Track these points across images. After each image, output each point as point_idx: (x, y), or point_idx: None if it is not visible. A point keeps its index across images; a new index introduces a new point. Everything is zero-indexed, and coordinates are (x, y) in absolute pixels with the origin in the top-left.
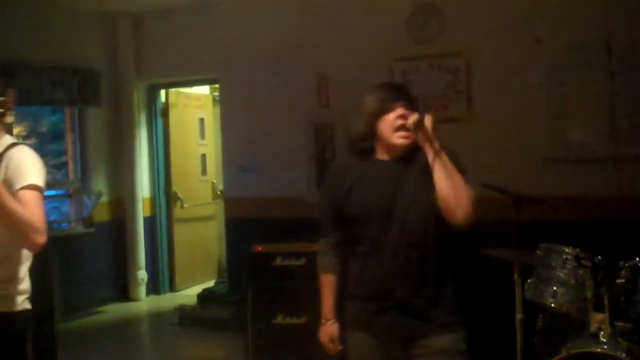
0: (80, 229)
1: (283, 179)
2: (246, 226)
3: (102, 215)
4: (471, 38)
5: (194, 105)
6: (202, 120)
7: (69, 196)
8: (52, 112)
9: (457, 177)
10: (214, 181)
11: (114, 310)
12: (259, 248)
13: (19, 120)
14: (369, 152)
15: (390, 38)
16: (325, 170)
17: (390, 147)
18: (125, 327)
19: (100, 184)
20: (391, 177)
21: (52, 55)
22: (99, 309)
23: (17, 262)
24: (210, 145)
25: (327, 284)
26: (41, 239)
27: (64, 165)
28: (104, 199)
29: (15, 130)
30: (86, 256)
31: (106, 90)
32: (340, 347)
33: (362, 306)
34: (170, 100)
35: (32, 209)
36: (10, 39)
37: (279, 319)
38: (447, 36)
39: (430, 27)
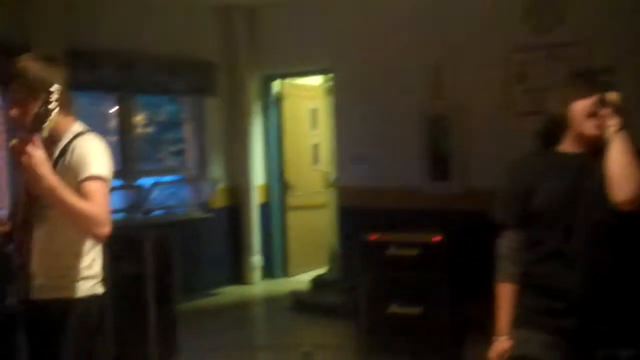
0: (198, 214)
1: (396, 169)
2: (358, 215)
3: (219, 201)
4: (591, 26)
5: (307, 96)
6: (314, 110)
7: (188, 182)
8: (169, 102)
9: (631, 158)
10: (326, 170)
11: (230, 292)
12: (373, 237)
13: (140, 109)
14: (555, 143)
15: (507, 28)
16: (438, 163)
17: (580, 138)
18: (241, 309)
19: (217, 171)
20: (578, 170)
21: (171, 47)
22: (216, 291)
23: (78, 252)
24: (322, 135)
25: (506, 294)
26: (105, 230)
27: (180, 152)
28: (221, 185)
29: (136, 120)
30: (204, 240)
31: (222, 81)
32: None
33: (542, 306)
34: (284, 91)
35: (95, 201)
36: (131, 31)
37: (393, 308)
38: (566, 25)
39: (548, 15)
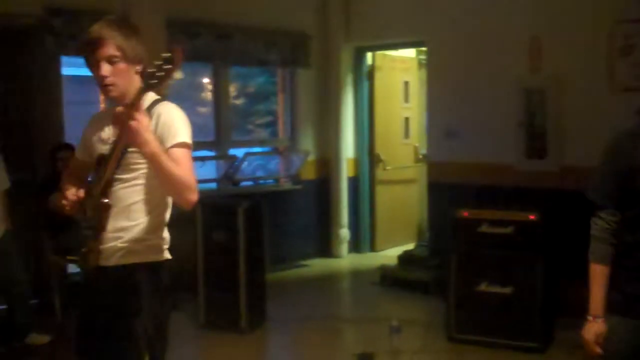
0: (288, 185)
1: (489, 145)
2: (449, 191)
3: (308, 173)
4: None
5: (400, 68)
6: (406, 83)
7: (279, 154)
8: (260, 74)
9: None
10: (417, 145)
11: (317, 264)
12: (465, 213)
13: (231, 80)
14: None
15: None
16: (534, 139)
17: None
18: (328, 282)
19: (307, 143)
20: None
21: (265, 18)
22: (303, 262)
23: (164, 210)
24: (414, 109)
25: (600, 275)
26: (194, 196)
27: (269, 124)
28: (311, 157)
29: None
30: (293, 212)
31: (315, 52)
32: (599, 351)
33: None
34: (377, 63)
35: (183, 167)
36: (227, 3)
37: (483, 287)
38: None
39: None
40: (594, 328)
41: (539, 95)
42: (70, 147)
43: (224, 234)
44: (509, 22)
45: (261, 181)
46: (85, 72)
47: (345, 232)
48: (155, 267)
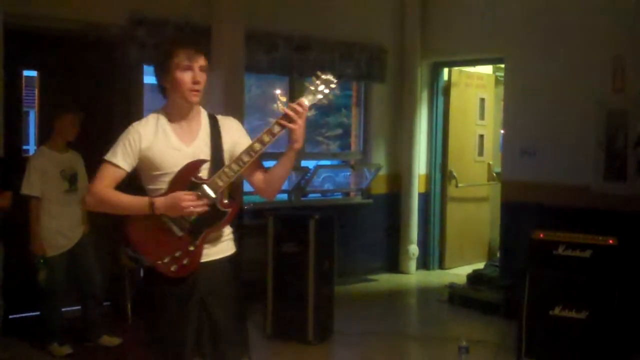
0: (359, 199)
1: (567, 165)
2: (523, 211)
3: (379, 187)
4: None
5: (476, 85)
6: (482, 100)
7: (351, 167)
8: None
9: None
10: (490, 162)
11: (385, 280)
12: (541, 235)
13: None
14: None
15: None
16: (614, 161)
17: None
18: (395, 297)
19: (379, 157)
20: None
21: (343, 32)
22: (371, 277)
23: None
24: (489, 126)
25: None
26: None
27: (339, 137)
28: (383, 172)
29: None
30: (362, 226)
31: (391, 67)
32: None
33: None
34: (453, 79)
35: None
36: (305, 15)
37: (557, 311)
38: None
39: None
40: None
41: (620, 116)
42: None
43: (295, 245)
44: (591, 39)
45: (330, 194)
46: None
47: (414, 249)
48: (237, 258)
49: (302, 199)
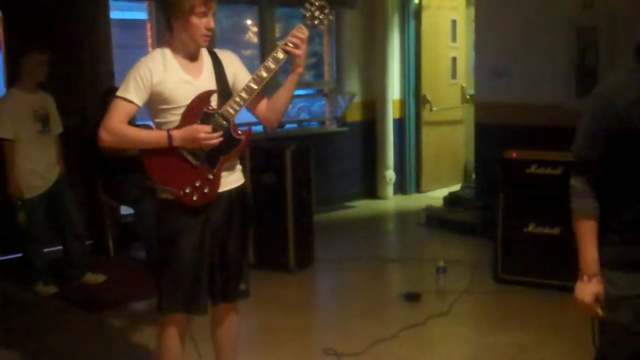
0: (334, 127)
1: (538, 84)
2: (496, 132)
3: (354, 115)
4: None
5: (447, 7)
6: (454, 22)
7: (325, 96)
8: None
9: None
10: (464, 85)
11: (363, 206)
12: (514, 154)
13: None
14: None
15: None
16: (586, 78)
17: None
18: (374, 222)
19: (353, 85)
20: None
21: None
22: (349, 204)
23: None
24: (461, 48)
25: (590, 231)
26: None
27: (313, 66)
28: (357, 99)
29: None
30: (338, 154)
31: None
32: (600, 312)
33: None
34: (424, 1)
35: None
36: None
37: (531, 228)
38: None
39: None
40: (592, 289)
41: (591, 32)
42: None
43: (272, 176)
44: None
45: (306, 123)
46: (132, 15)
47: (390, 174)
48: (245, 188)
49: (278, 130)
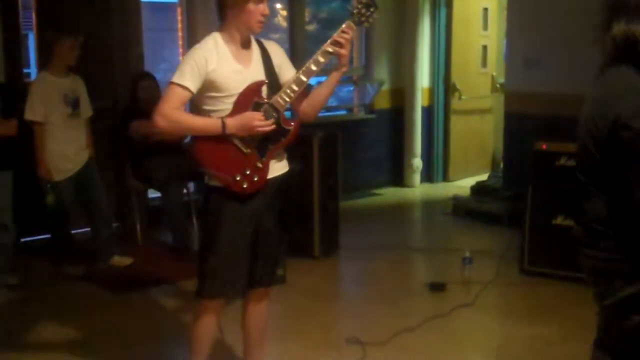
0: (362, 114)
1: (571, 74)
2: (526, 122)
3: (382, 102)
4: None
5: None
6: (485, 10)
7: (354, 83)
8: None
9: None
10: (494, 74)
11: (390, 193)
12: (544, 146)
13: (306, 6)
14: None
15: None
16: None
17: None
18: (400, 211)
19: (382, 72)
20: None
21: None
22: (376, 191)
23: None
24: (492, 37)
25: None
26: None
27: None
28: (385, 87)
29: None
30: (366, 141)
31: None
32: None
33: None
34: None
35: None
36: None
37: (559, 220)
38: None
39: None
40: None
41: None
42: (150, 77)
43: (299, 163)
44: None
45: (334, 110)
46: None
47: (418, 162)
48: (290, 176)
49: None
